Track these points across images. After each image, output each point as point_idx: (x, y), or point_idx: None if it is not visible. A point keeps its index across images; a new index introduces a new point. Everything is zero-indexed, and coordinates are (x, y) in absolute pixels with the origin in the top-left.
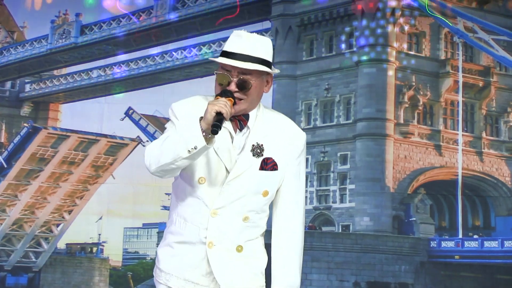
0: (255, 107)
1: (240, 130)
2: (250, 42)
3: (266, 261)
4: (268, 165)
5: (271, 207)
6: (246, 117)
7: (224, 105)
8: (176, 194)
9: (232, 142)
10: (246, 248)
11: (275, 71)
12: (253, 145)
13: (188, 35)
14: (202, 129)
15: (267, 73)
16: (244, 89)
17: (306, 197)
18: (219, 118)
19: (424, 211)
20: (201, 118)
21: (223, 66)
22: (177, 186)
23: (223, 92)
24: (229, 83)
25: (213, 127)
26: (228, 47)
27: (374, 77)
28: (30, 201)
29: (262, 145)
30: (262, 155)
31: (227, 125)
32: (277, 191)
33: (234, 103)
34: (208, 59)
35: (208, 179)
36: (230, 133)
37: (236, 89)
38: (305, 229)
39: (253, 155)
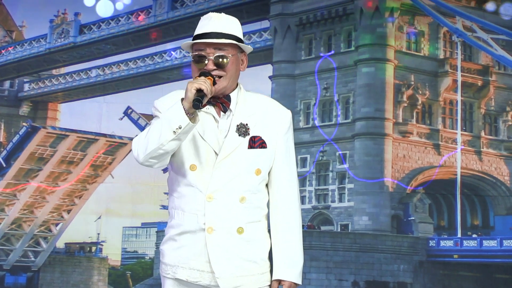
0: (234, 86)
1: (224, 112)
2: (221, 21)
3: (269, 246)
4: (256, 143)
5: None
6: (228, 99)
7: (203, 82)
8: (171, 188)
9: (218, 126)
10: (247, 231)
11: (248, 47)
12: (237, 125)
13: (187, 34)
14: (184, 109)
15: (242, 52)
16: (222, 65)
17: (304, 196)
18: (200, 95)
19: (423, 210)
20: (182, 99)
21: (198, 48)
22: (171, 180)
23: (202, 73)
24: (206, 64)
25: (194, 101)
26: (199, 29)
27: (372, 76)
28: (29, 201)
29: (247, 124)
30: (249, 134)
31: (210, 110)
32: (269, 171)
33: (214, 83)
34: None
35: (199, 165)
36: (214, 117)
37: (214, 67)
38: (301, 212)
39: (239, 135)
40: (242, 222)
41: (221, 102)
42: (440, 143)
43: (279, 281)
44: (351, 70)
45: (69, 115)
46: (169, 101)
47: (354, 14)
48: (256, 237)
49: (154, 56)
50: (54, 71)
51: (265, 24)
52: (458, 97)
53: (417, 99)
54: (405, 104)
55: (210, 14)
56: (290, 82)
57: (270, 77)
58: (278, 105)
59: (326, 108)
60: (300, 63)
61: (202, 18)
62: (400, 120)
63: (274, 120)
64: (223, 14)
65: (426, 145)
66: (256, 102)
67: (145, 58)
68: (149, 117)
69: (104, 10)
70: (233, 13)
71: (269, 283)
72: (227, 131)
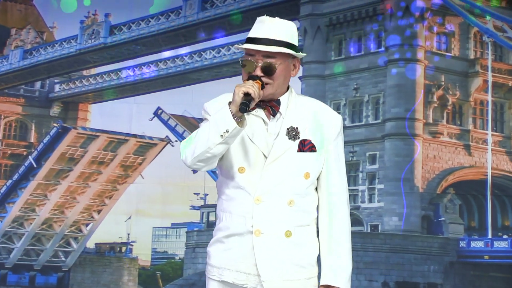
0: (283, 92)
1: (274, 116)
2: (273, 26)
3: (318, 251)
4: (306, 146)
5: None
6: (278, 102)
7: (251, 86)
8: (220, 191)
9: (267, 129)
10: (295, 234)
11: (300, 54)
12: (287, 129)
13: (217, 35)
14: (231, 112)
15: (294, 57)
16: (269, 73)
17: None
18: (247, 99)
19: (453, 211)
20: (230, 102)
21: (248, 52)
22: (220, 183)
23: (250, 77)
24: (255, 69)
25: (241, 105)
26: (252, 33)
27: (402, 76)
28: (59, 201)
29: (297, 128)
30: (298, 137)
31: (259, 113)
32: (319, 175)
33: (263, 87)
34: (237, 59)
35: (248, 167)
36: (263, 120)
37: (262, 74)
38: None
39: (289, 138)
40: (290, 226)
41: (271, 105)
42: (470, 143)
43: (327, 287)
44: (381, 70)
45: (100, 115)
46: (220, 104)
47: (384, 14)
48: (304, 241)
49: (184, 57)
50: (84, 72)
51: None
52: (489, 98)
53: (448, 100)
54: (435, 105)
55: (264, 17)
56: (320, 83)
57: (300, 78)
58: (329, 109)
59: (356, 108)
60: (330, 63)
61: (256, 20)
62: (431, 121)
63: (324, 124)
64: (277, 18)
65: (457, 146)
66: (307, 106)
67: (175, 59)
68: (179, 118)
69: (68, 6)
70: (263, 13)
71: None
72: (277, 134)
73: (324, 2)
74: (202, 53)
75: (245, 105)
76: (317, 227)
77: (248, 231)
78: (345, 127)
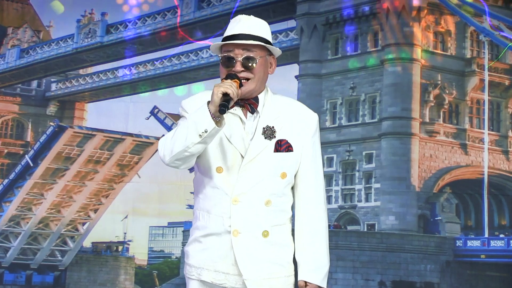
0: (262, 89)
1: (252, 113)
2: (250, 23)
3: (293, 249)
4: (283, 146)
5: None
6: (256, 100)
7: (229, 86)
8: (197, 189)
9: (244, 128)
10: (272, 234)
11: (277, 50)
12: (263, 128)
13: (213, 34)
14: (210, 112)
15: (270, 55)
16: (250, 67)
17: (331, 196)
18: (226, 99)
19: (450, 210)
20: (209, 102)
21: (226, 50)
22: (197, 181)
23: (228, 75)
24: (234, 65)
25: (220, 106)
26: (228, 31)
27: (399, 75)
28: (56, 200)
29: (273, 127)
30: (275, 137)
31: (237, 111)
32: (295, 174)
33: (241, 85)
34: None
35: (225, 167)
36: (240, 118)
37: (242, 69)
38: (328, 214)
39: (265, 138)
40: (267, 226)
41: (249, 103)
42: (467, 142)
43: (305, 283)
44: (377, 69)
45: (96, 114)
46: (197, 102)
47: (381, 13)
48: (281, 240)
49: (180, 56)
50: (81, 71)
51: (292, 23)
52: (485, 97)
53: (444, 99)
54: (432, 104)
55: (239, 16)
56: (317, 82)
57: (296, 77)
58: (305, 108)
59: (353, 107)
60: (327, 62)
61: (231, 20)
62: (427, 120)
63: (300, 123)
64: (252, 16)
65: (453, 145)
66: (283, 104)
67: (172, 58)
68: (176, 117)
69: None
70: (259, 12)
71: (293, 287)
72: (253, 133)
73: (321, 1)
74: (198, 52)
75: (224, 106)
76: (293, 225)
77: (226, 231)
78: (341, 126)
